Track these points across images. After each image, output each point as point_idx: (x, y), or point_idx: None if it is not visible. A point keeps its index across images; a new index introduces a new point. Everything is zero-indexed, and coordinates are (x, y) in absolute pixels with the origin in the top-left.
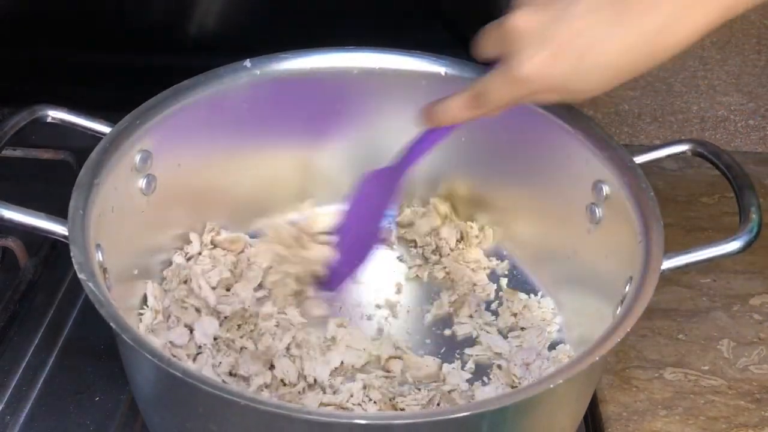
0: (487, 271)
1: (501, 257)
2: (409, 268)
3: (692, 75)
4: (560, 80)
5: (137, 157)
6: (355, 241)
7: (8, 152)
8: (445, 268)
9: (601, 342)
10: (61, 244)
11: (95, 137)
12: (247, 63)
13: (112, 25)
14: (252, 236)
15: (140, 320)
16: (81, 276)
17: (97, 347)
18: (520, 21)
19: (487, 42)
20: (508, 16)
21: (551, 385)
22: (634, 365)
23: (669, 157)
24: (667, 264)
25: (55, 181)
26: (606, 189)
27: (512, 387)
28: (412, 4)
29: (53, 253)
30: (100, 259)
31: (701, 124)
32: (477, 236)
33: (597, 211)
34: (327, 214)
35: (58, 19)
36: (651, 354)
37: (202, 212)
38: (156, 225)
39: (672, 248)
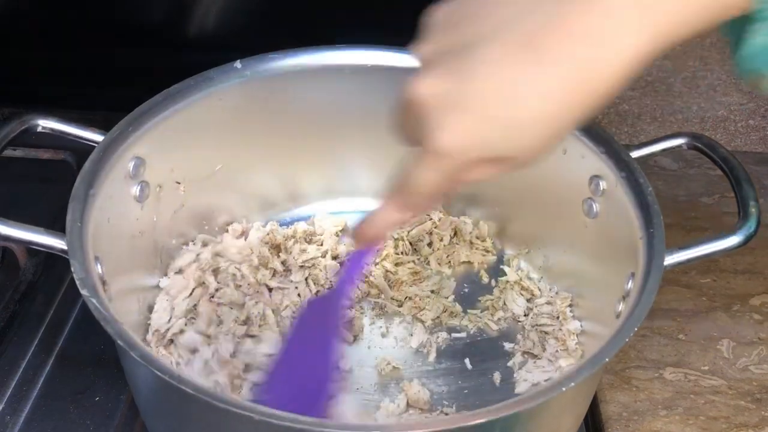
0: (484, 266)
1: (496, 252)
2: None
3: (692, 75)
4: (489, 147)
5: (130, 165)
6: (303, 380)
7: (8, 152)
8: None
9: (613, 340)
10: None
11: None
12: (238, 64)
13: (111, 26)
14: None
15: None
16: (83, 292)
17: (97, 347)
18: (422, 88)
19: (401, 126)
20: (408, 85)
21: (563, 389)
22: (634, 365)
23: (666, 153)
24: (669, 260)
25: (55, 181)
26: (603, 184)
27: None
28: (412, 4)
29: (53, 254)
30: (100, 271)
31: (701, 124)
32: (471, 231)
33: (594, 206)
34: (324, 216)
35: (56, 19)
36: (651, 354)
37: (197, 217)
38: (151, 232)
39: (672, 247)
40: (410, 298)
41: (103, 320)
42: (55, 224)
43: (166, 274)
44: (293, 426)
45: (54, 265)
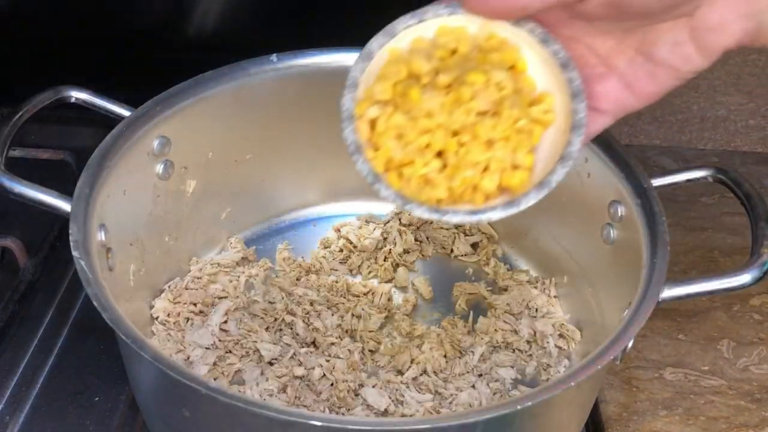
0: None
1: (510, 266)
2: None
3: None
4: None
5: (155, 143)
6: None
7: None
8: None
9: (576, 368)
10: (60, 244)
11: (94, 137)
12: (273, 58)
13: (111, 25)
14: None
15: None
16: (74, 253)
17: (96, 347)
18: None
19: None
20: None
21: (518, 407)
22: (634, 365)
23: (666, 152)
24: (668, 293)
25: (55, 181)
26: (621, 210)
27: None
28: (412, 6)
29: (53, 254)
30: (103, 239)
31: (701, 123)
32: (486, 246)
33: (612, 232)
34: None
35: (56, 17)
36: (651, 354)
37: (221, 204)
38: (172, 212)
39: (672, 248)
40: None
41: (86, 281)
42: (55, 224)
43: (188, 261)
44: (295, 420)
45: (54, 265)
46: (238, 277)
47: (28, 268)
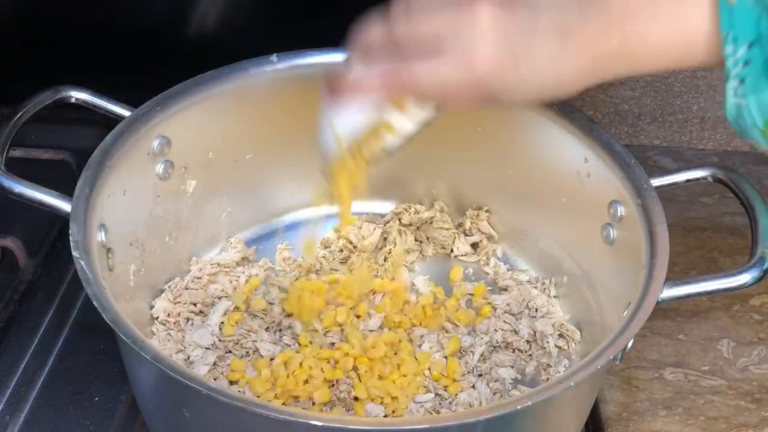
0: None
1: (510, 266)
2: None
3: (692, 75)
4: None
5: (155, 143)
6: None
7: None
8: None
9: (580, 366)
10: (60, 244)
11: (95, 137)
12: (274, 58)
13: (111, 25)
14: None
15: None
16: (74, 253)
17: (97, 347)
18: None
19: None
20: None
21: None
22: (634, 365)
23: (665, 151)
24: (668, 293)
25: (55, 181)
26: (621, 210)
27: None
28: None
29: (53, 253)
30: (102, 239)
31: (701, 123)
32: (486, 246)
33: (612, 232)
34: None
35: (56, 17)
36: (651, 354)
37: (221, 204)
38: (173, 213)
39: (672, 248)
40: None
41: (86, 281)
42: (55, 224)
43: (188, 261)
44: (295, 420)
45: (54, 265)
46: (238, 277)
47: (28, 268)
